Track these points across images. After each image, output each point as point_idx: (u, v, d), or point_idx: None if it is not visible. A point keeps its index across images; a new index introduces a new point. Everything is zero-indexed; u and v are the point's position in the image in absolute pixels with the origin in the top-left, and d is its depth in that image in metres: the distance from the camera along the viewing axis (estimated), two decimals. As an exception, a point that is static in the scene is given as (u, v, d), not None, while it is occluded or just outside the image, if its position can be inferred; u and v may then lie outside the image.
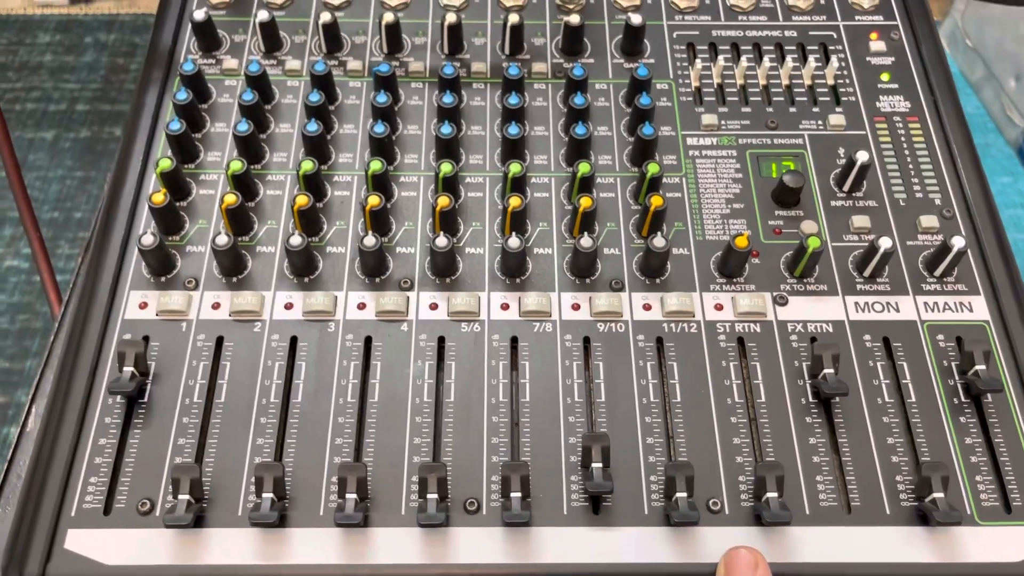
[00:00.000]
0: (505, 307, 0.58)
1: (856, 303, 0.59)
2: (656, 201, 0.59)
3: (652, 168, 0.60)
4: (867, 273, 0.59)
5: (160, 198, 0.58)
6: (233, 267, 0.58)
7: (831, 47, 0.71)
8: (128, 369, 0.53)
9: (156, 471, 0.52)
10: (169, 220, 0.60)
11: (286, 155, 0.64)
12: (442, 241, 0.57)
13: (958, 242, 0.58)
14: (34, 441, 0.54)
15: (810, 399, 0.55)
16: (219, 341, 0.56)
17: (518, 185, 0.61)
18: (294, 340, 0.57)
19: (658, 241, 0.57)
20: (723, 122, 0.66)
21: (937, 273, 0.59)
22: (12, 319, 0.88)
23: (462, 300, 0.58)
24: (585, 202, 0.59)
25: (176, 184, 0.61)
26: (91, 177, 0.99)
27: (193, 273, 0.59)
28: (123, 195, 0.62)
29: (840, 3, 0.73)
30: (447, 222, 0.60)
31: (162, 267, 0.58)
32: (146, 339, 0.56)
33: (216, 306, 0.58)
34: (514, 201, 0.59)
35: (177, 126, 0.61)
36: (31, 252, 0.76)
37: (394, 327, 0.57)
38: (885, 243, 0.57)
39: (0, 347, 0.86)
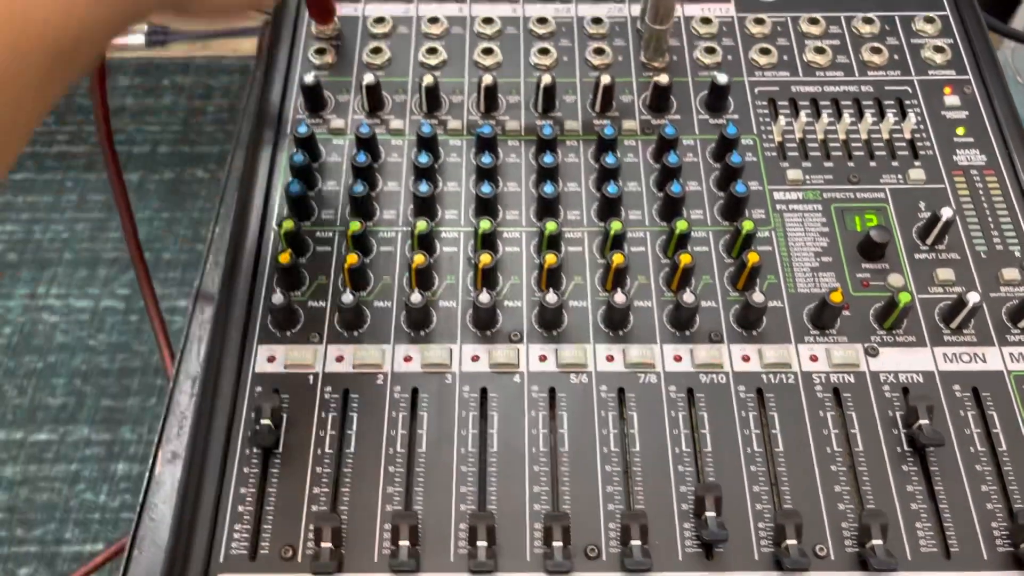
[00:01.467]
0: (610, 359, 0.61)
1: (944, 354, 0.62)
2: (753, 258, 0.62)
3: (747, 225, 0.63)
4: (954, 325, 0.62)
5: (287, 257, 0.62)
6: (354, 322, 0.62)
7: (907, 102, 0.74)
8: (265, 422, 0.57)
9: (295, 519, 0.56)
10: (292, 277, 0.63)
11: (395, 212, 0.68)
12: (552, 298, 0.60)
13: (1043, 297, 0.61)
14: (176, 487, 0.58)
15: (905, 448, 0.58)
16: (345, 393, 0.60)
17: (618, 242, 0.64)
18: (415, 392, 0.60)
19: (757, 297, 0.61)
20: (807, 177, 0.70)
21: (1022, 325, 0.62)
22: (112, 358, 0.92)
23: (570, 353, 0.61)
24: (685, 259, 0.62)
25: (297, 242, 0.65)
26: (177, 218, 1.04)
27: (316, 327, 0.63)
28: (244, 253, 0.65)
29: (914, 59, 0.76)
30: (553, 278, 0.63)
31: (288, 322, 0.62)
32: (276, 391, 0.60)
33: (340, 359, 0.61)
34: (617, 258, 0.62)
35: (297, 188, 0.65)
36: (144, 302, 0.80)
37: (507, 379, 0.61)
38: (972, 298, 0.60)
39: (103, 385, 0.90)
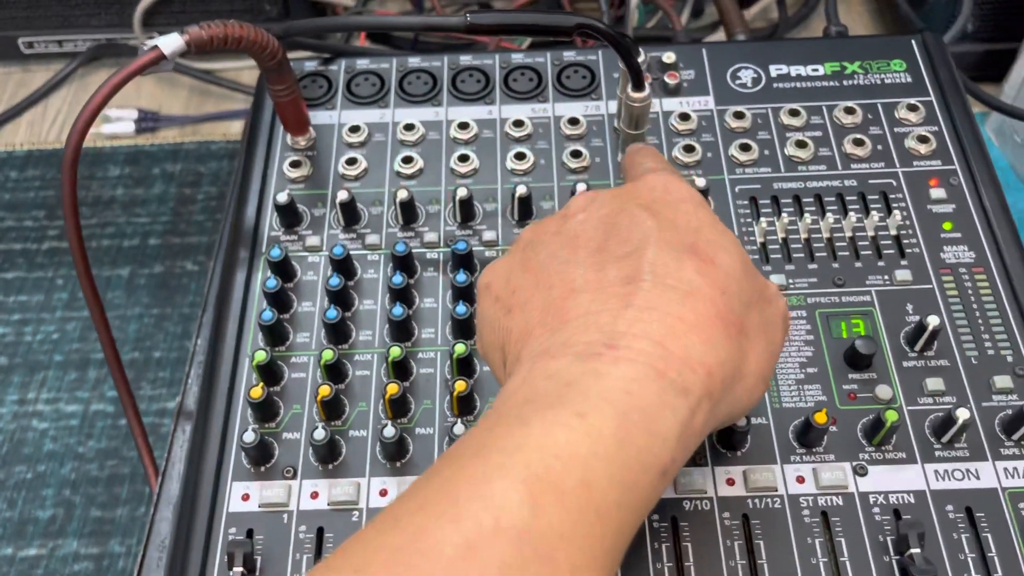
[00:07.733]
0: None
1: (936, 471, 0.60)
2: (734, 377, 0.61)
3: (727, 342, 0.62)
4: (945, 440, 0.60)
5: (258, 392, 0.61)
6: (329, 455, 0.61)
7: (891, 195, 0.72)
8: (238, 569, 0.56)
9: (269, 673, 0.54)
10: (266, 410, 0.62)
11: (371, 333, 0.67)
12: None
13: (1035, 409, 0.59)
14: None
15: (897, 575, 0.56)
16: (319, 532, 0.59)
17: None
18: (391, 529, 0.59)
19: (740, 422, 0.59)
20: (791, 281, 0.68)
21: (1016, 437, 0.60)
22: (101, 465, 0.91)
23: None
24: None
25: (271, 373, 0.64)
26: (167, 314, 1.03)
27: (290, 462, 0.62)
28: (218, 387, 0.64)
29: (898, 149, 0.75)
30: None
31: (262, 458, 0.61)
32: (250, 533, 0.59)
33: (315, 495, 0.60)
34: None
35: (269, 316, 0.64)
36: (121, 406, 0.80)
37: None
38: (963, 414, 0.59)
39: (91, 495, 0.89)
